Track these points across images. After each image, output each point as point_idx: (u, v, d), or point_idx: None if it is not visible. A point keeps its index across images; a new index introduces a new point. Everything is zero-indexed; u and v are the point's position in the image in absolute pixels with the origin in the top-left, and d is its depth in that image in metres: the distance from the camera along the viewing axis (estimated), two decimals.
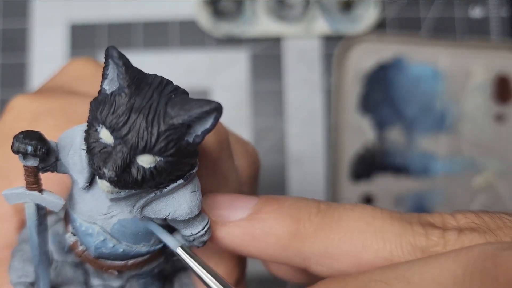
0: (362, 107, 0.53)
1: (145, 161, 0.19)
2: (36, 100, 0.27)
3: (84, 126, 0.21)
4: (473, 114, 0.53)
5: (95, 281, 0.25)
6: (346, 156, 0.53)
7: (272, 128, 0.54)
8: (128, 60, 0.20)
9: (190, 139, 0.20)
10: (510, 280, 0.18)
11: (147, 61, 0.54)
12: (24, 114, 0.27)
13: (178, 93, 0.20)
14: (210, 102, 0.19)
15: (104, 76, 0.20)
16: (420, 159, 0.53)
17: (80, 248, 0.23)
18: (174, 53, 0.55)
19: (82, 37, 0.55)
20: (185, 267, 0.26)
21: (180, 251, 0.22)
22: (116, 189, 0.20)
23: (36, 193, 0.21)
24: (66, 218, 0.23)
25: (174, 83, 0.20)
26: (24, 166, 0.20)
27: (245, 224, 0.23)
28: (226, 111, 0.58)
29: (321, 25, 0.54)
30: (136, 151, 0.19)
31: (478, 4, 0.56)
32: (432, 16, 0.56)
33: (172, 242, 0.22)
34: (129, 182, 0.19)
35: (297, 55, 0.55)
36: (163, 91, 0.20)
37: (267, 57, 0.55)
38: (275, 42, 0.55)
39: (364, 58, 0.54)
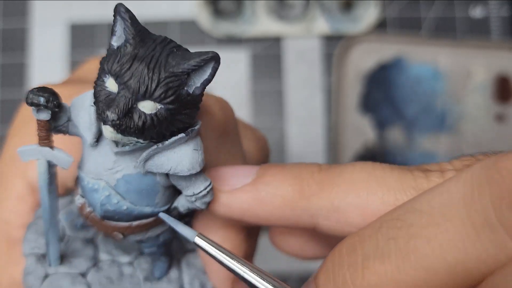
0: (362, 106, 0.53)
1: (147, 107, 0.21)
2: (55, 88, 0.28)
3: None
4: (474, 114, 0.53)
5: (103, 256, 0.26)
6: (346, 156, 0.53)
7: (272, 128, 0.54)
8: (134, 16, 0.21)
9: (190, 89, 0.21)
10: None
11: None
12: None
13: (181, 49, 0.21)
14: (208, 51, 0.21)
15: (113, 33, 0.21)
16: (420, 159, 0.53)
17: (88, 209, 0.24)
18: None
19: (82, 37, 0.55)
20: (193, 249, 0.27)
21: (198, 240, 0.23)
22: (120, 136, 0.21)
23: (47, 149, 0.22)
24: (76, 182, 0.25)
25: None
26: (37, 120, 0.22)
27: (250, 189, 0.24)
28: None
29: (321, 25, 0.54)
30: (137, 95, 0.20)
31: (478, 4, 0.56)
32: (432, 16, 0.56)
33: (189, 233, 0.23)
34: (130, 127, 0.21)
35: (297, 55, 0.55)
36: (166, 46, 0.21)
37: (267, 57, 0.55)
38: (275, 42, 0.55)
39: (364, 58, 0.54)
